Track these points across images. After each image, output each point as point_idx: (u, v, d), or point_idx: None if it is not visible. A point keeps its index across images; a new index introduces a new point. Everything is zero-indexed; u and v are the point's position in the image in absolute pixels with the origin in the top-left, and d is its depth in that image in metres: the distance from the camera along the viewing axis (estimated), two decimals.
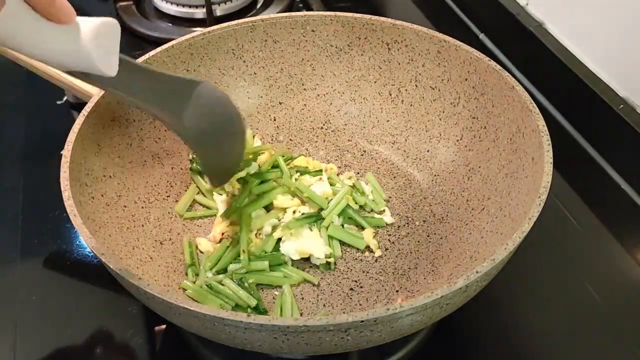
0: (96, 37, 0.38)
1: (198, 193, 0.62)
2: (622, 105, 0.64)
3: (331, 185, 0.61)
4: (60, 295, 0.57)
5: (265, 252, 0.56)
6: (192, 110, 0.48)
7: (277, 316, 0.52)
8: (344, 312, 0.50)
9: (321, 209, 0.58)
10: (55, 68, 0.40)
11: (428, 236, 0.58)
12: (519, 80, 0.54)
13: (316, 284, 0.55)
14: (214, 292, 0.53)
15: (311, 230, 0.57)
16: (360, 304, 0.53)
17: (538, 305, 0.56)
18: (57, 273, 0.59)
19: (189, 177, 0.63)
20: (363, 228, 0.59)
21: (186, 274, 0.55)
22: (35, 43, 0.37)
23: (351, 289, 0.54)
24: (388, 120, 0.66)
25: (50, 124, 0.76)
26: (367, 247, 0.57)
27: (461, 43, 0.59)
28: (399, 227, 0.60)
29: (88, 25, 0.38)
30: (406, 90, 0.65)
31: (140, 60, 0.58)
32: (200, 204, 0.62)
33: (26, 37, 0.36)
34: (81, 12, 0.39)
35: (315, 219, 0.58)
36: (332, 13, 0.64)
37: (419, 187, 0.63)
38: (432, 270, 0.55)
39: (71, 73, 0.40)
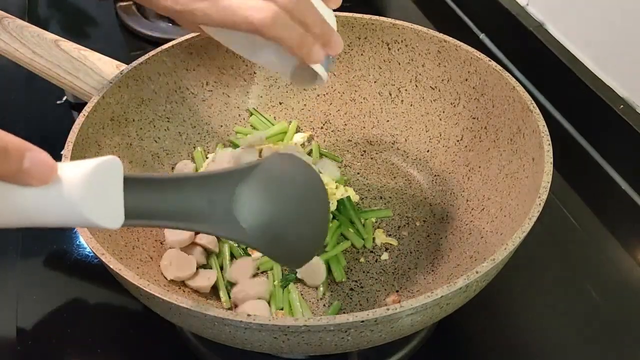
0: (88, 188, 0.30)
1: None
2: (622, 105, 0.64)
3: None
4: (60, 295, 0.57)
5: None
6: (248, 204, 0.38)
7: (287, 315, 0.52)
8: (344, 312, 0.50)
9: None
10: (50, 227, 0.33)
11: (428, 236, 0.58)
12: (519, 81, 0.54)
13: None
14: None
15: None
16: (360, 304, 0.53)
17: (538, 305, 0.56)
18: (57, 273, 0.59)
19: None
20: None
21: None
22: (12, 213, 0.30)
23: (351, 289, 0.54)
24: (388, 121, 0.66)
25: (50, 124, 0.76)
26: (367, 247, 0.58)
27: (461, 43, 0.59)
28: (399, 227, 0.60)
29: (76, 174, 0.30)
30: (406, 90, 0.65)
31: (140, 60, 0.58)
32: None
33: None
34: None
35: None
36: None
37: (419, 188, 0.63)
38: (432, 270, 0.55)
39: None
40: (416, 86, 0.64)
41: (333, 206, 0.59)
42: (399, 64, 0.64)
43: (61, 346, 0.53)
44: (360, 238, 0.58)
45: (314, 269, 0.54)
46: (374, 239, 0.58)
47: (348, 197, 0.60)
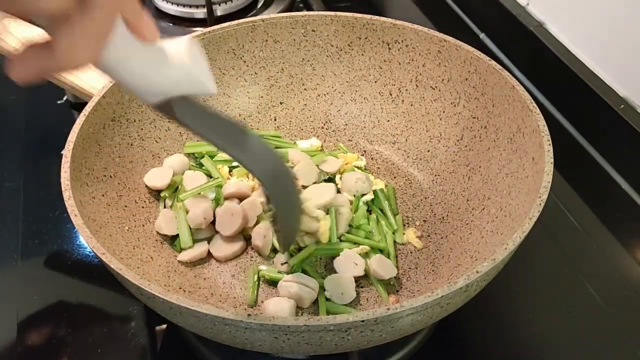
0: (190, 55, 0.35)
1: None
2: (622, 105, 0.65)
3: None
4: (60, 295, 0.57)
5: None
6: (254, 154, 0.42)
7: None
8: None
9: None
10: (158, 97, 0.36)
11: (428, 236, 0.58)
12: (519, 80, 0.54)
13: None
14: None
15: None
16: (360, 304, 0.53)
17: (538, 305, 0.56)
18: (58, 273, 0.59)
19: None
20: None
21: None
22: (141, 67, 0.34)
23: None
24: (388, 120, 0.66)
25: (51, 124, 0.76)
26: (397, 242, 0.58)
27: (462, 43, 0.59)
28: None
29: (176, 44, 0.35)
30: (407, 90, 0.65)
31: None
32: None
33: (132, 62, 0.33)
34: None
35: None
36: (333, 13, 0.64)
37: (420, 187, 0.63)
38: (433, 270, 0.55)
39: (161, 109, 0.36)
40: (416, 86, 0.64)
41: (370, 196, 0.60)
42: (400, 63, 0.64)
43: (61, 346, 0.53)
44: (390, 232, 0.58)
45: (343, 286, 0.52)
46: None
47: (381, 189, 0.61)
